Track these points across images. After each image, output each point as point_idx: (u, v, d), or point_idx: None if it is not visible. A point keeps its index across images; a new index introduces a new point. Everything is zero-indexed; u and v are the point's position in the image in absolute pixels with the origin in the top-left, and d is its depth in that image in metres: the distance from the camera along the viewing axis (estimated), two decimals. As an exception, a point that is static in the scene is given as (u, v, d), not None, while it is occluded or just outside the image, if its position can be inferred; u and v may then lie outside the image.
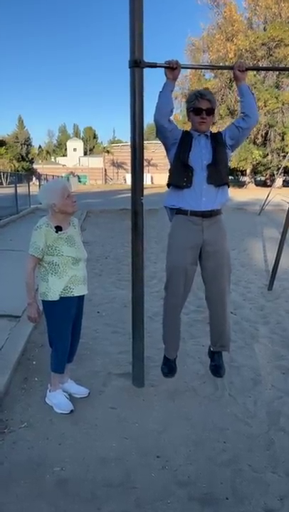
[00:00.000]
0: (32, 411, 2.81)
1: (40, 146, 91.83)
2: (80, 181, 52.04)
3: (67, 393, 2.95)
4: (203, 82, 33.79)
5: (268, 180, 44.60)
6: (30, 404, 2.89)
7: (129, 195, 2.91)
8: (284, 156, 32.36)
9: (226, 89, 33.40)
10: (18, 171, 51.80)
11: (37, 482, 2.19)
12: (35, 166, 68.93)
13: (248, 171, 39.83)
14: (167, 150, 2.80)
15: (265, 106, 31.40)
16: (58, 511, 2.01)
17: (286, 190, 31.82)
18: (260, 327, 4.41)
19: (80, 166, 68.97)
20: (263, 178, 48.83)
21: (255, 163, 35.73)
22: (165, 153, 2.88)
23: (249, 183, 41.31)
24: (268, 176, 44.86)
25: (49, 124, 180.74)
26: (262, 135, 33.54)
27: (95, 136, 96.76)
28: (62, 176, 38.84)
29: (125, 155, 58.77)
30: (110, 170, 63.91)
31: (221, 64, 29.71)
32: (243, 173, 45.74)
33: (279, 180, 36.43)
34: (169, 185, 2.78)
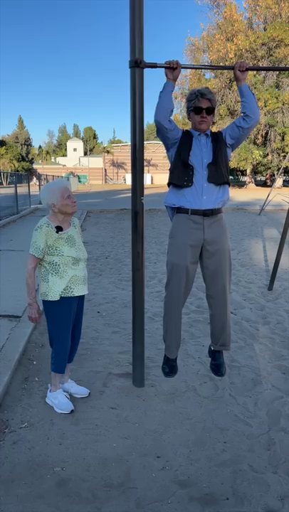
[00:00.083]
0: (32, 411, 2.81)
1: (40, 146, 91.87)
2: (80, 181, 52.06)
3: (68, 393, 2.96)
4: (203, 82, 33.79)
5: (268, 180, 44.68)
6: (30, 404, 2.89)
7: (129, 195, 2.92)
8: (284, 156, 32.44)
9: (226, 90, 33.41)
10: (18, 171, 51.82)
11: (37, 482, 2.19)
12: (35, 166, 68.97)
13: (248, 171, 39.84)
14: (167, 149, 2.80)
15: (266, 106, 31.41)
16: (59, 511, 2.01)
17: (286, 190, 31.86)
18: (260, 327, 4.41)
19: (80, 166, 69.03)
20: (263, 178, 48.90)
21: (255, 163, 35.75)
22: (165, 153, 2.87)
23: (249, 183, 41.34)
24: (268, 176, 44.96)
25: (49, 124, 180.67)
26: (262, 135, 33.55)
27: (95, 136, 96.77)
28: (62, 176, 38.88)
29: (125, 155, 58.89)
30: (110, 170, 63.95)
31: (221, 64, 29.70)
32: (244, 173, 45.81)
33: (279, 180, 36.51)
34: (169, 184, 2.78)
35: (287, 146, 32.50)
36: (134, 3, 2.58)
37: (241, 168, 37.39)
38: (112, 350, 3.78)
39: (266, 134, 33.71)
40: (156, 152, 58.61)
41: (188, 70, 32.54)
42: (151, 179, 56.85)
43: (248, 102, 2.65)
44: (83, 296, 2.86)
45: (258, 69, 5.13)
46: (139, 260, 2.92)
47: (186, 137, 2.70)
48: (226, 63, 29.73)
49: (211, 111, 2.68)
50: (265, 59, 31.93)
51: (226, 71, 29.54)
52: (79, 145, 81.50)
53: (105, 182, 63.23)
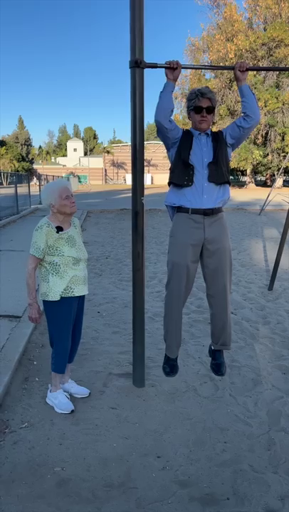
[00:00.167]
0: (33, 411, 2.81)
1: (40, 147, 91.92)
2: (80, 181, 52.10)
3: (68, 393, 2.96)
4: (203, 83, 33.80)
5: (269, 181, 44.69)
6: (30, 404, 2.89)
7: (130, 195, 2.92)
8: (284, 156, 32.44)
9: (226, 90, 33.42)
10: (18, 171, 51.84)
11: (38, 482, 2.19)
12: (35, 166, 69.01)
13: (248, 171, 39.85)
14: (168, 149, 2.80)
15: (266, 106, 31.43)
16: None
17: (286, 190, 31.85)
18: (260, 327, 4.41)
19: (80, 166, 69.04)
20: (263, 178, 48.90)
21: (255, 163, 35.76)
22: (165, 154, 2.87)
23: (249, 183, 41.36)
24: (268, 176, 44.95)
25: (49, 125, 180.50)
26: (262, 135, 33.56)
27: (95, 137, 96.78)
28: (62, 177, 38.89)
29: (125, 155, 58.90)
30: (110, 170, 63.96)
31: (221, 64, 29.71)
32: (244, 173, 45.81)
33: (279, 180, 36.51)
34: (170, 183, 2.78)
35: (287, 146, 32.51)
36: (134, 3, 2.59)
37: (241, 168, 37.41)
38: (112, 350, 3.78)
39: (266, 134, 33.73)
40: (156, 152, 58.62)
41: (189, 70, 32.55)
42: (152, 179, 56.86)
43: (249, 102, 2.65)
44: (83, 296, 2.86)
45: (258, 69, 5.15)
46: (139, 260, 2.92)
47: (187, 137, 2.70)
48: (226, 63, 29.72)
49: (211, 110, 2.68)
50: (265, 59, 31.94)
51: (226, 71, 29.55)
52: (79, 145, 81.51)
53: (105, 182, 63.24)
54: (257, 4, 32.76)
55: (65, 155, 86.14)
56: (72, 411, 2.79)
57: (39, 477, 2.22)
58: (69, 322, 2.77)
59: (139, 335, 3.06)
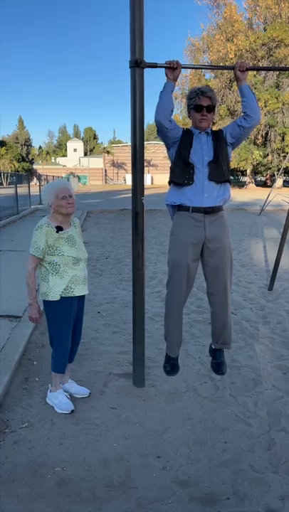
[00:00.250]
0: (33, 411, 2.81)
1: (40, 147, 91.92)
2: (80, 182, 52.10)
3: (68, 393, 2.95)
4: (203, 83, 33.79)
5: (269, 181, 44.70)
6: (31, 404, 2.89)
7: (130, 195, 2.92)
8: (284, 157, 32.45)
9: (226, 90, 33.44)
10: (18, 171, 51.85)
11: (38, 482, 2.19)
12: (35, 166, 69.04)
13: (248, 171, 39.85)
14: (168, 148, 2.80)
15: (266, 106, 31.44)
16: None
17: (286, 190, 31.86)
18: (260, 327, 4.41)
19: (80, 167, 69.07)
20: (263, 179, 48.90)
21: (255, 163, 35.77)
22: (165, 154, 2.88)
23: (249, 183, 41.36)
24: (268, 176, 44.95)
25: (49, 125, 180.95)
26: (262, 135, 33.57)
27: (95, 137, 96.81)
28: (62, 177, 38.89)
29: (125, 155, 58.91)
30: (110, 170, 63.98)
31: (221, 64, 29.71)
32: (244, 173, 45.82)
33: (279, 181, 36.52)
34: (170, 182, 2.78)
35: (287, 146, 32.52)
36: (134, 3, 2.59)
37: (241, 168, 37.41)
38: (112, 350, 3.78)
39: (266, 134, 33.74)
40: (156, 152, 58.63)
41: (189, 71, 32.58)
42: (152, 179, 56.87)
43: (249, 101, 2.65)
44: (84, 296, 2.86)
45: (258, 69, 5.14)
46: (139, 260, 2.92)
47: (187, 135, 2.70)
48: (226, 63, 29.74)
49: (211, 109, 2.68)
50: (265, 59, 31.95)
51: (226, 71, 29.57)
52: (79, 145, 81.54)
53: (105, 182, 63.25)
54: (257, 4, 32.78)
55: (65, 155, 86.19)
56: (73, 411, 2.79)
57: (39, 477, 2.22)
58: (69, 322, 2.77)
59: (139, 335, 3.06)
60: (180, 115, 34.03)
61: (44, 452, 2.41)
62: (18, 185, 15.67)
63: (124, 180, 59.21)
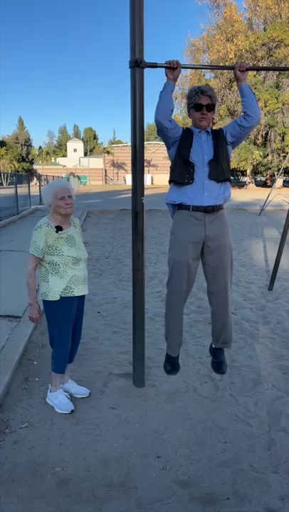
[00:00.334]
0: (33, 411, 2.81)
1: (40, 147, 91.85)
2: (80, 182, 52.12)
3: (68, 393, 2.95)
4: (203, 83, 33.78)
5: (269, 181, 44.71)
6: (31, 404, 2.89)
7: (130, 195, 2.91)
8: (284, 157, 32.45)
9: (226, 90, 33.45)
10: (18, 171, 51.86)
11: (38, 482, 2.19)
12: (35, 166, 69.03)
13: (248, 172, 39.86)
14: (168, 148, 2.80)
15: (266, 106, 31.44)
16: None
17: (286, 190, 31.86)
18: (260, 327, 4.41)
19: (80, 167, 69.08)
20: (263, 179, 48.90)
21: (255, 163, 35.77)
22: (165, 154, 2.88)
23: (249, 183, 41.37)
24: (268, 177, 44.96)
25: (49, 125, 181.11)
26: (262, 135, 33.57)
27: (95, 137, 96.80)
28: (62, 177, 38.90)
29: (125, 155, 58.91)
30: (110, 170, 63.98)
31: (221, 64, 29.71)
32: (244, 173, 45.83)
33: (279, 181, 36.52)
34: (170, 182, 2.78)
35: (287, 146, 32.53)
36: (134, 3, 2.59)
37: (241, 168, 37.43)
38: (112, 350, 3.78)
39: (266, 134, 33.74)
40: (156, 153, 58.63)
41: (189, 71, 32.59)
42: (152, 179, 56.88)
43: (249, 101, 2.65)
44: (83, 296, 2.86)
45: (258, 69, 5.14)
46: (139, 260, 2.92)
47: (187, 135, 2.70)
48: (226, 63, 29.74)
49: (211, 108, 2.68)
50: (265, 59, 31.96)
51: (226, 71, 29.58)
52: (79, 145, 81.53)
53: (105, 182, 63.26)
54: (257, 4, 32.79)
55: (65, 155, 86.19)
56: (73, 411, 2.79)
57: (39, 477, 2.22)
58: (69, 322, 2.77)
59: (139, 335, 3.06)
60: (180, 115, 34.04)
61: (44, 452, 2.41)
62: (18, 186, 15.68)
63: (124, 180, 59.21)
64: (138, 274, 2.94)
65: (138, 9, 2.60)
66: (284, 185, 40.20)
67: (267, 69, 4.10)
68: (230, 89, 33.08)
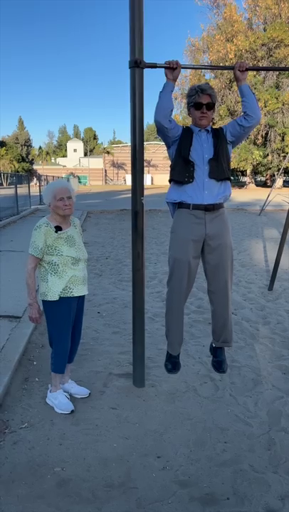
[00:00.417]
0: (33, 411, 2.81)
1: (40, 147, 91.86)
2: (80, 182, 52.11)
3: (68, 393, 2.95)
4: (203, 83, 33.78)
5: (269, 181, 44.71)
6: (30, 404, 2.89)
7: (129, 195, 2.92)
8: (284, 157, 32.45)
9: (226, 90, 33.44)
10: (18, 171, 51.85)
11: (38, 482, 2.19)
12: (35, 166, 69.04)
13: (248, 172, 39.86)
14: (168, 147, 2.80)
15: (266, 106, 31.44)
16: (59, 512, 2.01)
17: (286, 190, 31.86)
18: (260, 327, 4.41)
19: (80, 167, 69.09)
20: (263, 179, 48.91)
21: (255, 163, 35.76)
22: (165, 154, 2.90)
23: (249, 183, 41.38)
24: (268, 177, 44.96)
25: (49, 125, 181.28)
26: (262, 135, 33.57)
27: (95, 137, 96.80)
28: (62, 177, 38.90)
29: (125, 156, 58.91)
30: (110, 170, 64.00)
31: (221, 64, 29.73)
32: (244, 173, 45.83)
33: (279, 181, 36.53)
34: (170, 181, 2.78)
35: (287, 146, 32.52)
36: (133, 3, 2.59)
37: (241, 168, 37.42)
38: (112, 350, 3.78)
39: (266, 134, 33.74)
40: (156, 153, 58.64)
41: (189, 71, 32.58)
42: (152, 180, 56.90)
43: (249, 101, 2.65)
44: (83, 296, 2.86)
45: (258, 69, 5.14)
46: (139, 260, 2.92)
47: (187, 133, 2.70)
48: (226, 64, 29.74)
49: (211, 106, 2.68)
50: (265, 59, 31.96)
51: (225, 71, 29.58)
52: (79, 146, 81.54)
53: (105, 183, 63.27)
54: (257, 5, 32.78)
55: (65, 155, 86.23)
56: (72, 411, 2.79)
57: (39, 477, 2.22)
58: (68, 322, 2.77)
59: (139, 335, 3.06)
60: (180, 115, 34.04)
61: (44, 452, 2.41)
62: (18, 186, 15.69)
63: (124, 180, 59.23)
64: (138, 275, 2.94)
65: (138, 9, 2.60)
66: (284, 186, 40.20)
67: (267, 69, 4.11)
68: (230, 90, 33.08)
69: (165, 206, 2.91)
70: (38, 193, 18.17)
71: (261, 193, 26.49)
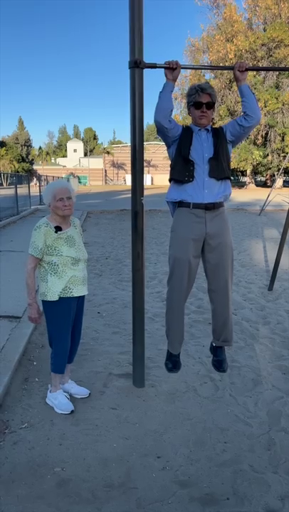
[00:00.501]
0: (33, 411, 2.81)
1: (40, 147, 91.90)
2: (80, 182, 52.12)
3: (68, 394, 2.95)
4: (203, 83, 33.76)
5: (269, 181, 44.71)
6: (30, 404, 2.89)
7: (129, 195, 2.92)
8: (284, 157, 32.45)
9: (225, 90, 33.44)
10: (18, 172, 51.83)
11: (38, 483, 2.19)
12: (35, 167, 69.05)
13: (248, 172, 39.86)
14: (168, 147, 2.80)
15: (265, 106, 31.44)
16: (59, 512, 2.01)
17: (286, 190, 31.85)
18: (260, 327, 4.41)
19: (80, 167, 69.08)
20: (263, 179, 48.92)
21: (255, 163, 35.76)
22: (165, 154, 2.90)
23: (249, 183, 41.38)
24: (268, 177, 44.97)
25: (49, 125, 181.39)
26: (262, 135, 33.57)
27: (95, 137, 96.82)
28: (62, 177, 38.91)
29: (125, 156, 58.92)
30: (110, 171, 64.00)
31: (220, 65, 29.72)
32: (244, 173, 45.84)
33: (279, 181, 36.52)
34: (170, 180, 2.78)
35: (287, 146, 32.52)
36: (133, 3, 2.59)
37: (241, 168, 37.42)
38: (112, 350, 3.78)
39: (266, 134, 33.74)
40: (156, 153, 58.64)
41: (188, 71, 32.56)
42: (152, 180, 56.88)
43: (249, 101, 2.65)
44: (83, 296, 2.86)
45: (258, 69, 5.15)
46: (139, 261, 2.92)
47: (187, 133, 2.71)
48: (226, 64, 29.74)
49: (211, 106, 2.68)
50: (264, 59, 31.96)
51: (225, 72, 29.58)
52: (79, 146, 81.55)
53: (105, 183, 63.27)
54: (257, 5, 32.78)
55: (65, 156, 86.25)
56: (72, 411, 2.79)
57: (39, 477, 2.22)
58: (68, 322, 2.77)
59: (139, 335, 3.06)
60: (180, 115, 34.03)
61: (44, 452, 2.41)
62: (18, 186, 15.69)
63: (124, 180, 59.22)
64: (138, 275, 2.94)
65: (137, 9, 2.60)
66: (284, 186, 40.19)
67: (266, 69, 4.11)
68: (230, 90, 33.08)
69: (165, 206, 2.91)
70: (38, 193, 18.17)
71: (261, 193, 26.49)
